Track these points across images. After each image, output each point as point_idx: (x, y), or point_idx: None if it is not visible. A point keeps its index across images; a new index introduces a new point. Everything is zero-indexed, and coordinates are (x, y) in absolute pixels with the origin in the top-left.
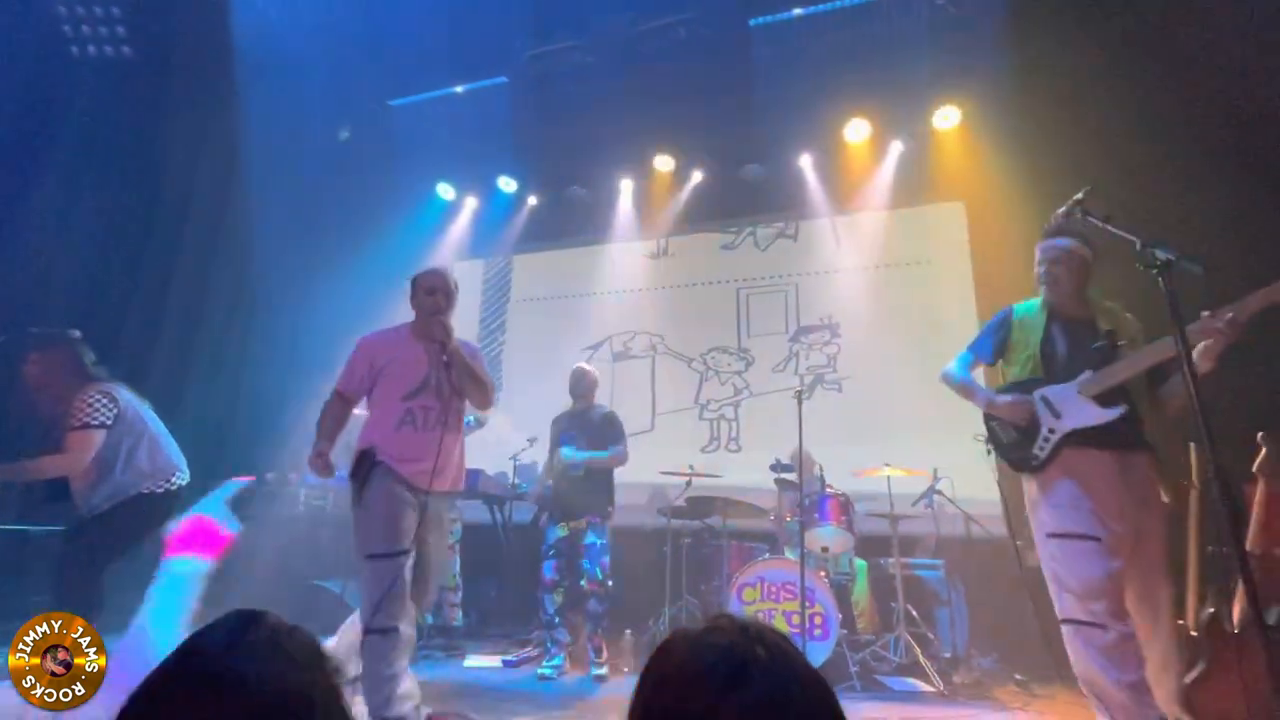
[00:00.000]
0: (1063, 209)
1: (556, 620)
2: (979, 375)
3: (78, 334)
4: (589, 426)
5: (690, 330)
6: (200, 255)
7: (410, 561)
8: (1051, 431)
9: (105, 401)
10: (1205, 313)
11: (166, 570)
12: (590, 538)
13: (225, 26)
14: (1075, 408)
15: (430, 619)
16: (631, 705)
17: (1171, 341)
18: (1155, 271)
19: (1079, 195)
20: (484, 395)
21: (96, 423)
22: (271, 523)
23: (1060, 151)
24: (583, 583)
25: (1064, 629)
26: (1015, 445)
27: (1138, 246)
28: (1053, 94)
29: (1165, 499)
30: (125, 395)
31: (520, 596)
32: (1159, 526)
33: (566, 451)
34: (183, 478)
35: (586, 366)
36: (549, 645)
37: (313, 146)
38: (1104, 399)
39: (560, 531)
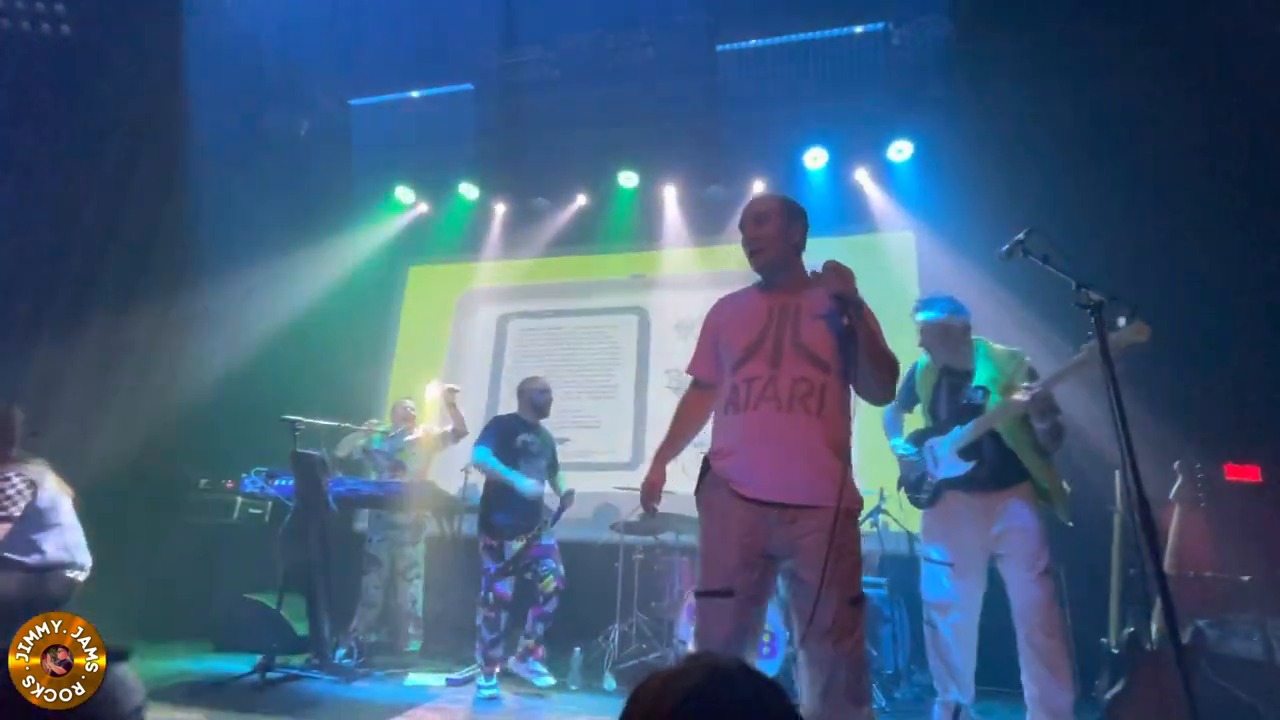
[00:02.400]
0: (1005, 248)
1: (502, 640)
2: (909, 418)
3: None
4: (549, 446)
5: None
6: (135, 247)
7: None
8: (931, 478)
9: (21, 489)
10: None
11: None
12: (547, 539)
13: (177, 10)
14: (947, 460)
15: (375, 637)
16: None
17: (1003, 407)
18: (1089, 311)
19: (1020, 236)
20: (884, 380)
21: (2, 514)
22: (204, 532)
23: (1007, 187)
24: (545, 586)
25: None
26: (912, 486)
27: (1073, 287)
28: (1000, 132)
29: (1065, 521)
30: (45, 484)
31: (468, 611)
32: (1026, 544)
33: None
34: (80, 575)
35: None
36: (482, 663)
37: (266, 140)
38: (965, 452)
39: (517, 545)
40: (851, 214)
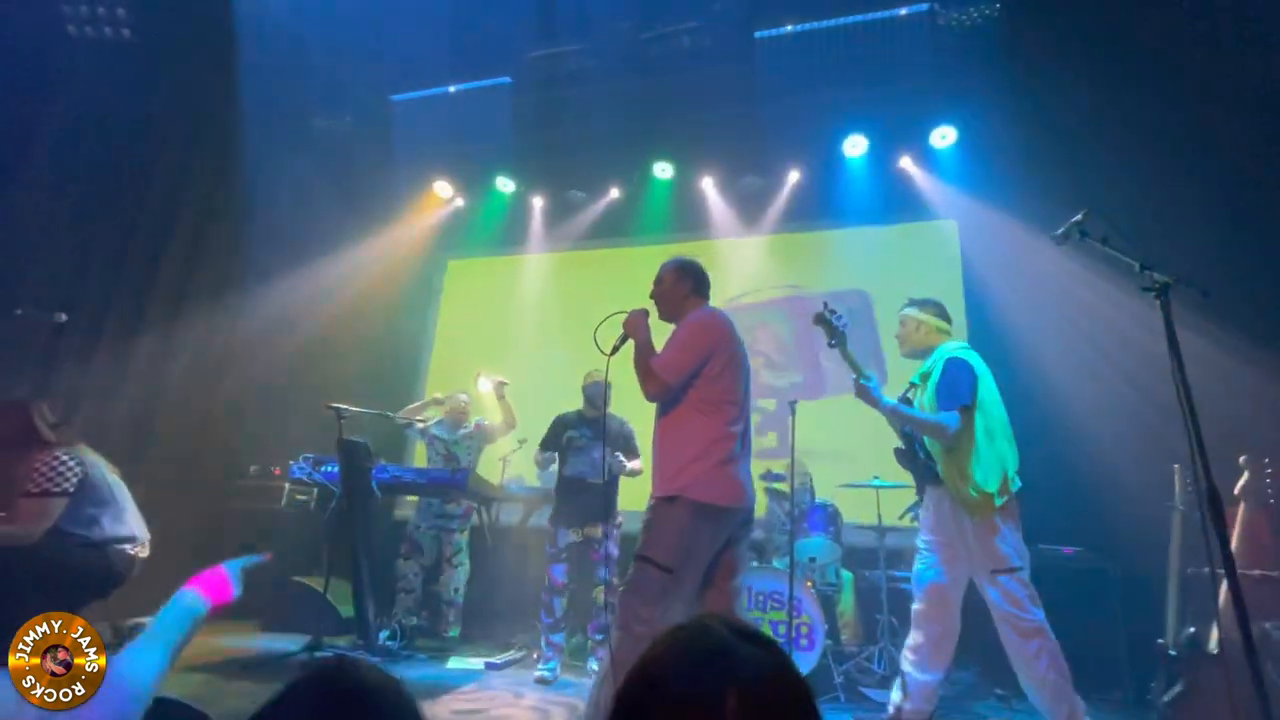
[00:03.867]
0: (1061, 230)
1: (561, 625)
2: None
3: (39, 394)
4: (611, 436)
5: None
6: (191, 243)
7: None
8: None
9: (72, 465)
10: None
11: (180, 598)
12: (612, 547)
13: (227, 12)
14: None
15: (415, 621)
16: (617, 694)
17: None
18: (1154, 294)
19: (1077, 217)
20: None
21: (58, 489)
22: (254, 518)
23: (1055, 174)
24: (595, 596)
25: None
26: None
27: (1137, 269)
28: (1049, 117)
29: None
30: (91, 460)
31: (505, 599)
32: (966, 540)
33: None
34: (141, 550)
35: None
36: (545, 648)
37: (311, 137)
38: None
39: (573, 536)
40: (892, 202)
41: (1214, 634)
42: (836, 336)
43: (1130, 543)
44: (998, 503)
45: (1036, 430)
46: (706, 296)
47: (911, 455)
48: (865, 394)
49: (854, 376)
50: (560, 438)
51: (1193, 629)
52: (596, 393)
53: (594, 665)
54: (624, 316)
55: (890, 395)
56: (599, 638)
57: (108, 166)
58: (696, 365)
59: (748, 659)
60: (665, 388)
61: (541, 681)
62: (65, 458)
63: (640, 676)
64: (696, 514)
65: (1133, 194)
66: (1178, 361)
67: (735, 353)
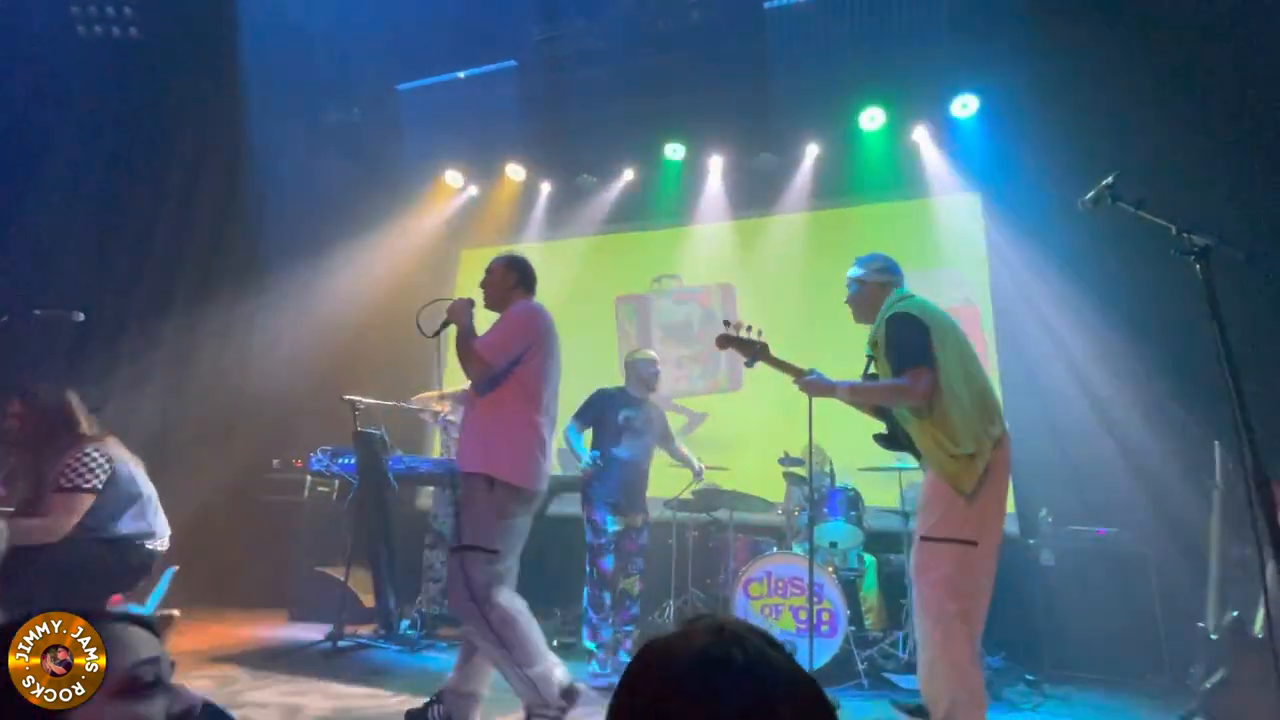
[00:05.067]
0: (1090, 195)
1: (610, 619)
2: None
3: (68, 385)
4: (656, 422)
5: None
6: (206, 238)
7: None
8: None
9: (101, 462)
10: None
11: None
12: (645, 537)
13: (231, 6)
14: None
15: (439, 610)
16: (608, 712)
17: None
18: (1193, 258)
19: (1108, 180)
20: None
21: (88, 486)
22: (278, 510)
23: (1083, 140)
24: (630, 587)
25: None
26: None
27: (1174, 232)
28: (1076, 80)
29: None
30: (120, 455)
31: (523, 588)
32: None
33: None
34: (160, 545)
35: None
36: (595, 647)
37: (320, 130)
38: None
39: (618, 525)
40: (912, 177)
41: (1259, 618)
42: (754, 350)
43: (1167, 523)
44: (979, 467)
45: (1067, 408)
46: (532, 291)
47: (893, 436)
48: (813, 386)
49: (792, 378)
50: (614, 416)
51: (1236, 613)
52: (652, 373)
53: (624, 658)
54: (448, 303)
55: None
56: (629, 629)
57: (123, 167)
58: (518, 352)
59: (782, 668)
60: (487, 369)
61: (599, 686)
62: (95, 453)
63: (675, 691)
64: (512, 497)
65: (1173, 159)
66: (1220, 330)
67: (552, 347)
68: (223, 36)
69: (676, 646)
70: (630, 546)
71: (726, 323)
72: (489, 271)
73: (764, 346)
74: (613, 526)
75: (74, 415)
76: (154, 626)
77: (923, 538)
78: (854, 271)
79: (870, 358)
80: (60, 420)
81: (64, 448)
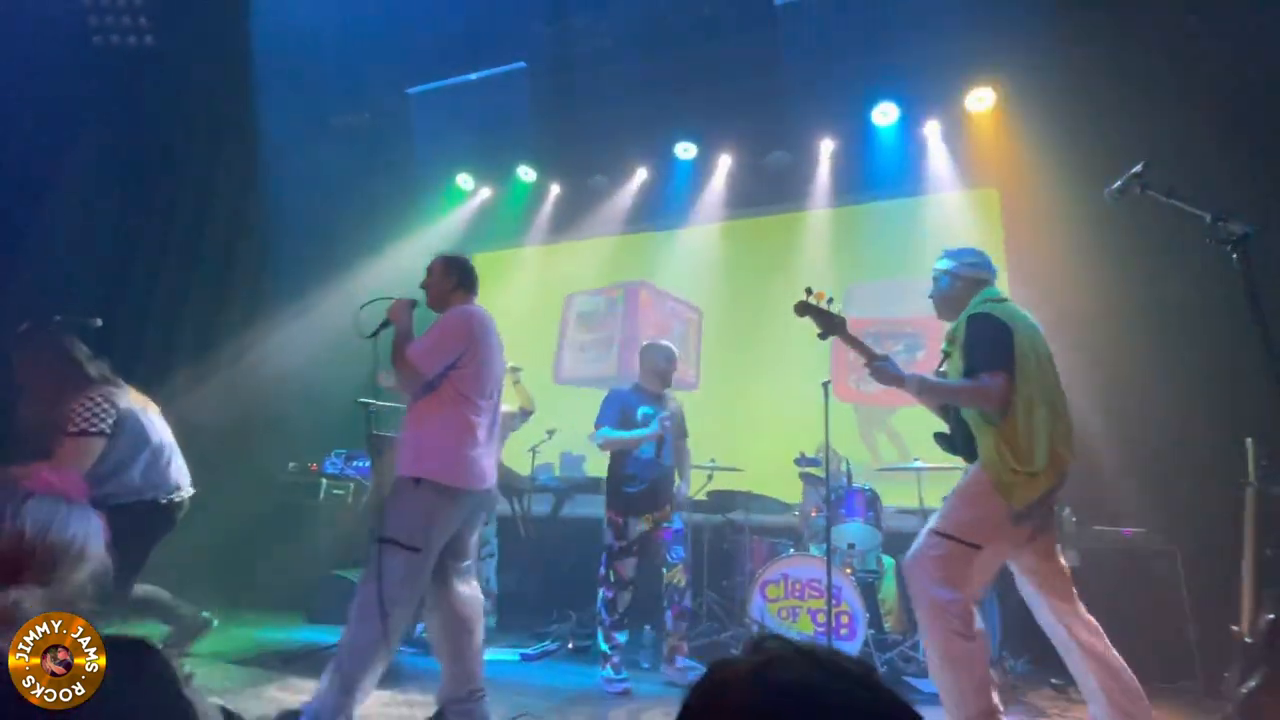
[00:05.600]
0: (1118, 183)
1: (624, 622)
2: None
3: (72, 333)
4: (677, 417)
5: (721, 322)
6: (222, 242)
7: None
8: None
9: (106, 407)
10: None
11: None
12: (677, 522)
13: (244, 15)
14: None
15: None
16: None
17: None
18: (1230, 247)
19: (1136, 169)
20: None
21: (95, 430)
22: (294, 512)
23: (1105, 134)
24: (674, 578)
25: None
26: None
27: (1209, 220)
28: (1097, 72)
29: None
30: (127, 401)
31: (538, 590)
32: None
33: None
34: (182, 494)
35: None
36: (611, 651)
37: (332, 136)
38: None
39: (644, 525)
40: (926, 172)
41: None
42: (831, 324)
43: (1197, 523)
44: (1041, 487)
45: (1093, 405)
46: (472, 292)
47: (954, 439)
48: (883, 374)
49: (864, 360)
50: (633, 415)
51: (1272, 615)
52: (669, 367)
53: (682, 663)
54: (389, 302)
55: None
56: (683, 625)
57: (139, 176)
58: (450, 357)
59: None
60: (417, 375)
61: (626, 695)
62: (100, 398)
63: None
64: (439, 495)
65: (1199, 149)
66: (1260, 320)
67: (490, 349)
68: (235, 45)
69: (764, 681)
70: (663, 536)
71: (809, 290)
72: (429, 272)
73: (843, 321)
74: (640, 527)
75: (77, 359)
76: None
77: (938, 533)
78: (942, 263)
79: (946, 354)
80: (64, 366)
81: (71, 392)
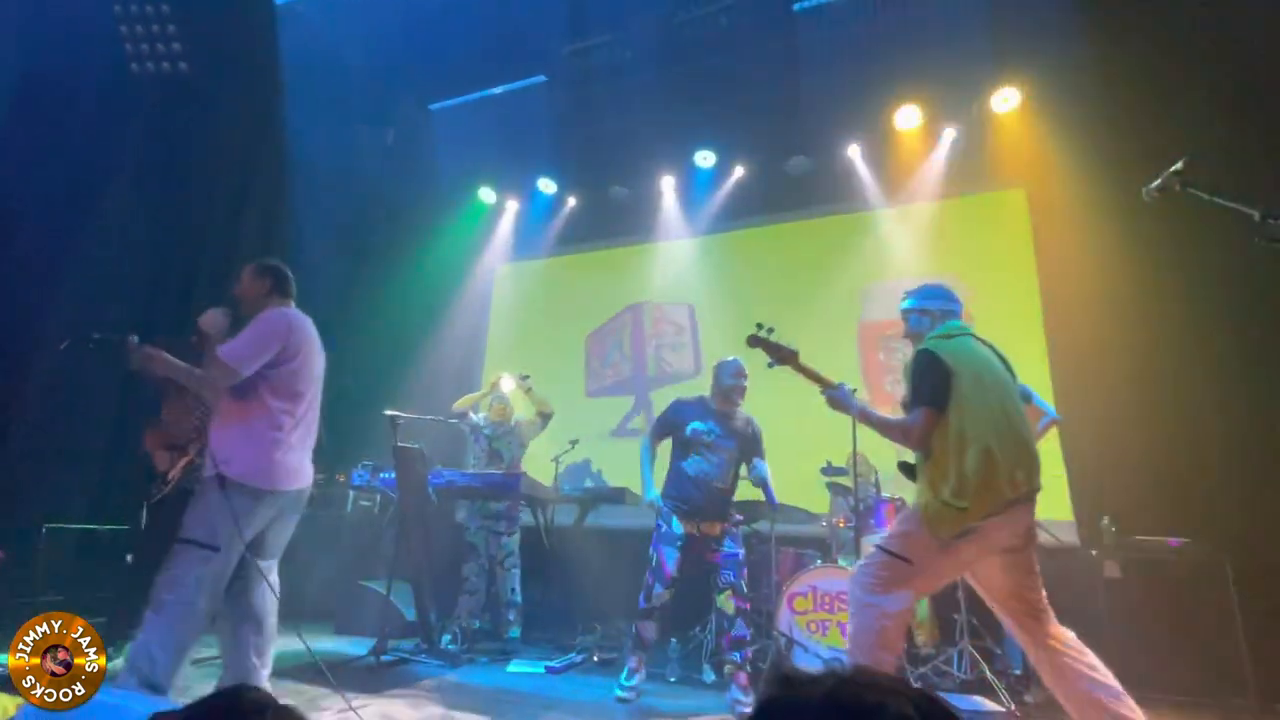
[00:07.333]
0: (1156, 182)
1: (656, 614)
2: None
3: (107, 350)
4: (741, 436)
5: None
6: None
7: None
8: None
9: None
10: None
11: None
12: (730, 546)
13: (273, 37)
14: None
15: (478, 624)
16: None
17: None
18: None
19: (1177, 166)
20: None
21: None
22: (323, 524)
23: (1134, 133)
24: (724, 604)
25: None
26: None
27: (1256, 218)
28: (1126, 69)
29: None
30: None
31: (562, 601)
32: None
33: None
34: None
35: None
36: (631, 645)
37: (358, 153)
38: None
39: (685, 528)
40: (952, 174)
41: None
42: (781, 355)
43: (1246, 532)
44: (964, 523)
45: (1128, 408)
46: (287, 295)
47: (916, 468)
48: (834, 402)
49: (820, 389)
50: (681, 430)
51: None
52: (733, 380)
53: (738, 695)
54: (203, 314)
55: None
56: (738, 657)
57: (174, 195)
58: (267, 355)
59: None
60: (231, 374)
61: (622, 701)
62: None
63: None
64: (240, 495)
65: (1237, 148)
66: None
67: (305, 350)
68: (264, 66)
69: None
70: (712, 556)
71: (759, 325)
72: (238, 280)
73: (794, 353)
74: (679, 529)
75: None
76: None
77: (877, 546)
78: (906, 303)
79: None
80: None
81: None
